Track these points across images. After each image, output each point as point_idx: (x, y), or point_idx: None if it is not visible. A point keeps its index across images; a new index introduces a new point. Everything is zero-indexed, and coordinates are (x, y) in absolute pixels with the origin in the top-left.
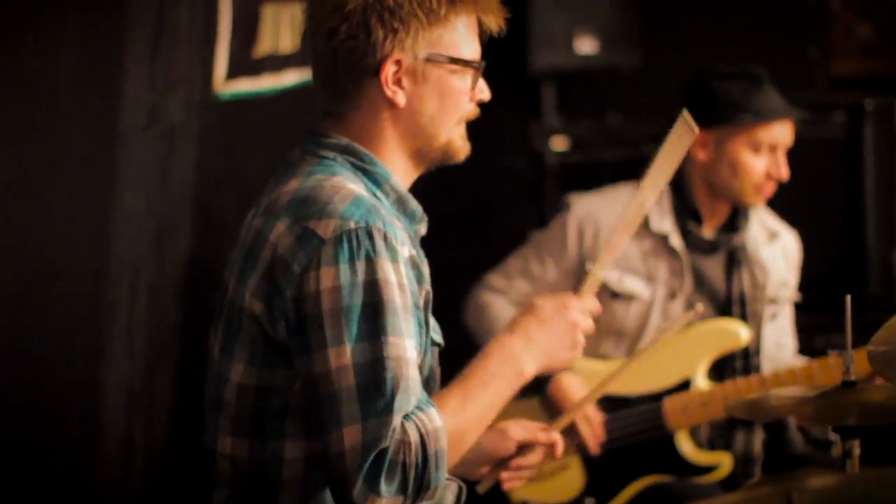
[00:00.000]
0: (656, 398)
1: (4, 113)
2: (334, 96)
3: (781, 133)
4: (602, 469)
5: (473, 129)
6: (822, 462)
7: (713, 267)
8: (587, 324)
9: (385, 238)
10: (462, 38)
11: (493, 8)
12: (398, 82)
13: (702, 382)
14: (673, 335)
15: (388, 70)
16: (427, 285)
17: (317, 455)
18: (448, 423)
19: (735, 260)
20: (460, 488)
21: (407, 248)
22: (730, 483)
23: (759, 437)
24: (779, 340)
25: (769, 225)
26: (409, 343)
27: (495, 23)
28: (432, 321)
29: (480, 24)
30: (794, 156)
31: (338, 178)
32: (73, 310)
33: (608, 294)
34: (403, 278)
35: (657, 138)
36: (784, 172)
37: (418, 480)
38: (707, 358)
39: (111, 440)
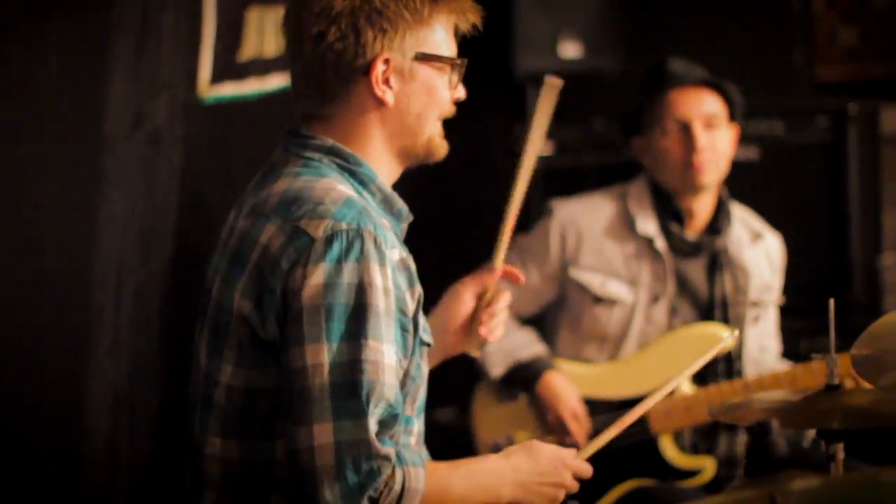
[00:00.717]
0: (640, 402)
1: None
2: (320, 98)
3: (684, 107)
4: None
5: (458, 132)
6: (806, 465)
7: (696, 270)
8: (573, 487)
9: (375, 241)
10: (442, 38)
11: (470, 8)
12: (387, 81)
13: (686, 386)
14: (707, 359)
15: (378, 69)
16: (418, 286)
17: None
18: (426, 491)
19: (717, 263)
20: None
21: (397, 252)
22: (713, 487)
23: (742, 441)
24: (761, 343)
25: (753, 226)
26: (389, 348)
27: (470, 24)
28: (423, 321)
29: (456, 26)
30: (778, 160)
31: (327, 180)
32: (58, 313)
33: (591, 299)
34: (389, 282)
35: None
36: (699, 144)
37: None
38: (693, 363)
39: (96, 443)
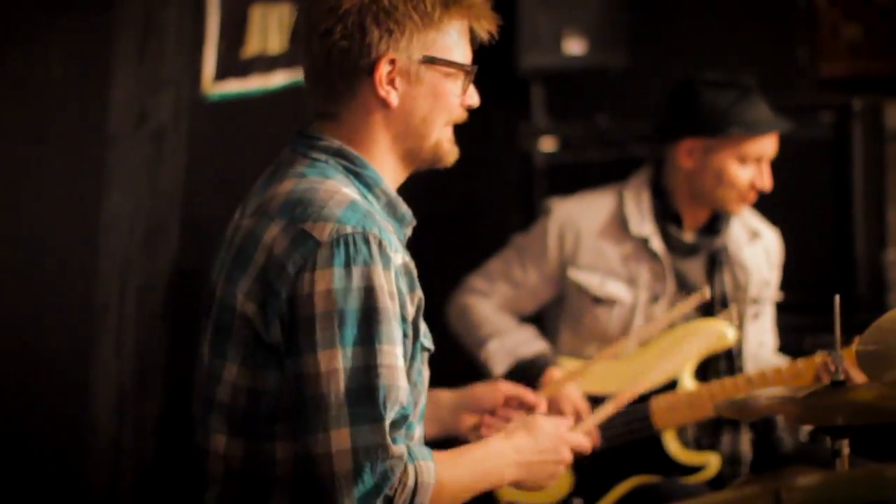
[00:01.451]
0: (643, 398)
1: None
2: (327, 96)
3: (768, 145)
4: (589, 469)
5: (462, 129)
6: (810, 461)
7: (694, 269)
8: (569, 459)
9: (380, 245)
10: (455, 42)
11: (486, 15)
12: (392, 82)
13: (689, 382)
14: (678, 316)
15: (382, 70)
16: (419, 290)
17: (303, 456)
18: (436, 483)
19: (716, 262)
20: None
21: (400, 255)
22: (717, 483)
23: (746, 437)
24: (760, 339)
25: (750, 224)
26: (399, 351)
27: (486, 30)
28: (423, 326)
29: (472, 31)
30: (782, 157)
31: (332, 182)
32: (62, 311)
33: (590, 299)
34: (393, 286)
35: (645, 138)
36: (767, 183)
37: None
38: (694, 358)
39: (101, 440)
